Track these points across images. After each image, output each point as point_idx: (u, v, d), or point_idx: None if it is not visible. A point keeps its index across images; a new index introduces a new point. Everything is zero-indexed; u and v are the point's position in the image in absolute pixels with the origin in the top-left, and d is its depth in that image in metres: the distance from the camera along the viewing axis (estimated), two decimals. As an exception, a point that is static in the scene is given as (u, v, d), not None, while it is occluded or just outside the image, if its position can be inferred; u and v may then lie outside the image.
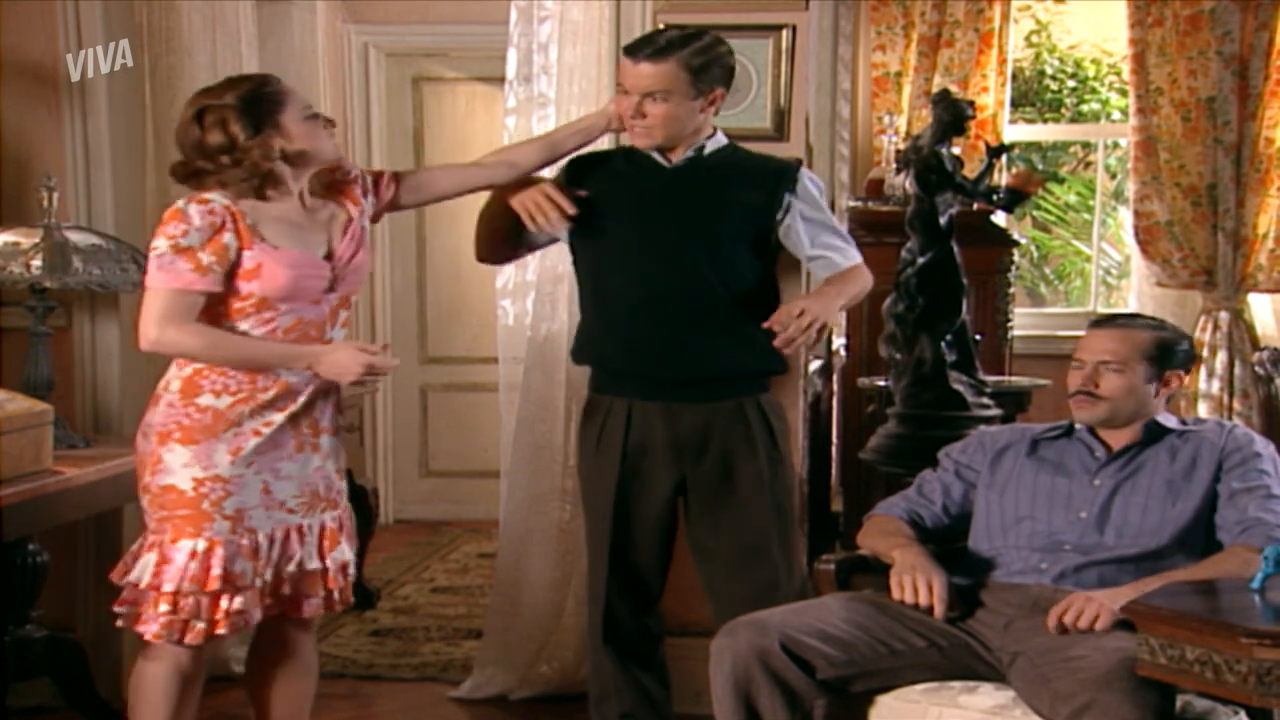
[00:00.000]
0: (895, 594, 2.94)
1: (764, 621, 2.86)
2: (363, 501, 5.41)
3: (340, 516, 3.15)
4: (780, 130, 4.01)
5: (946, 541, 3.20)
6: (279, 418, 2.99)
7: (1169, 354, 3.09)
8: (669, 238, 3.25)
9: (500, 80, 4.37)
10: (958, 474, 3.23)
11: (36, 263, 3.80)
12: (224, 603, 2.95)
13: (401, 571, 5.92)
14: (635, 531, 3.34)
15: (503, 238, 3.43)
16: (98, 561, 4.11)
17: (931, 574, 2.93)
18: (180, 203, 2.93)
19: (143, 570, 2.94)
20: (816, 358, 4.39)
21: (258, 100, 2.95)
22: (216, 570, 2.92)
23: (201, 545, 2.92)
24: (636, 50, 3.24)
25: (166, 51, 4.18)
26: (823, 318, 3.13)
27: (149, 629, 2.94)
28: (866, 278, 3.37)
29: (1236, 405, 5.98)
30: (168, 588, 2.92)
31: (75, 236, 3.90)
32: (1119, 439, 3.09)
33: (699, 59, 3.22)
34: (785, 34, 3.99)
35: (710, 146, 3.32)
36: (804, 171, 3.37)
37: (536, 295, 4.22)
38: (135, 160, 4.25)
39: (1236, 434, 3.05)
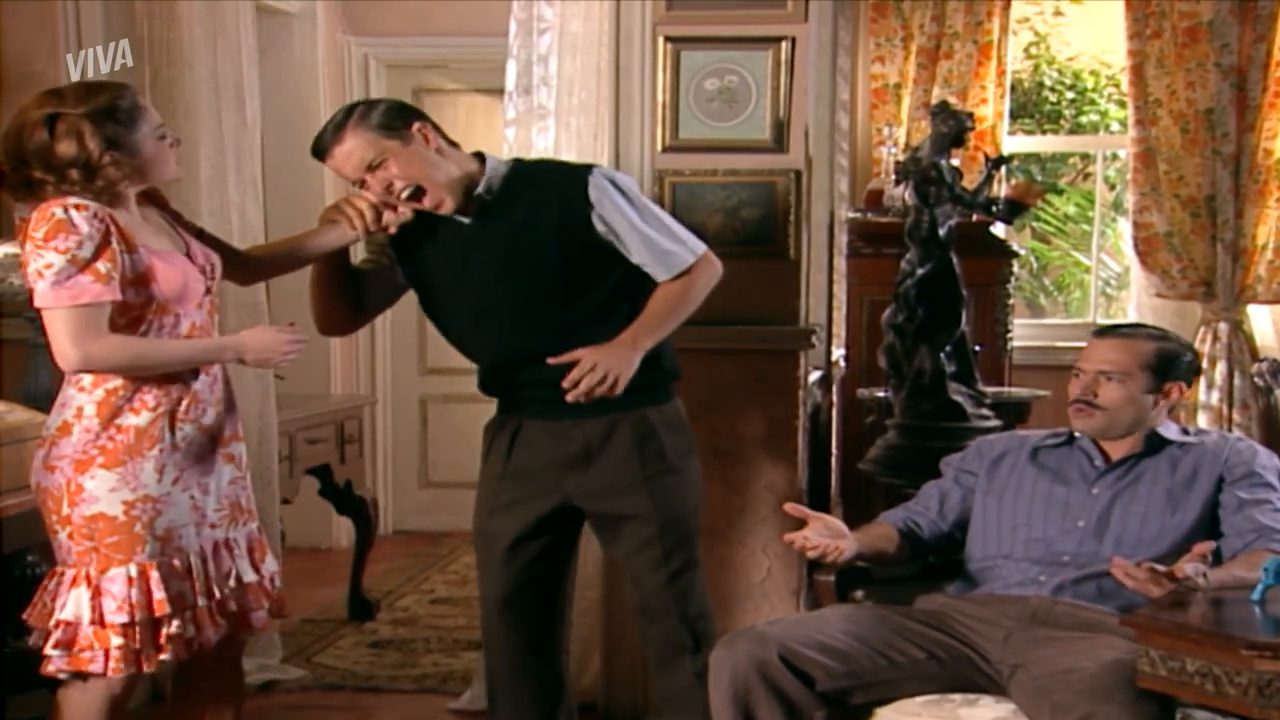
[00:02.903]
0: (811, 556, 3.01)
1: (763, 633, 2.86)
2: (362, 512, 5.42)
3: (258, 526, 3.12)
4: (779, 142, 4.01)
5: (949, 552, 3.20)
6: (191, 429, 2.92)
7: (1171, 365, 3.08)
8: (496, 294, 3.14)
9: (500, 92, 4.38)
10: (956, 480, 3.24)
11: (37, 274, 3.80)
12: (165, 627, 2.88)
13: (401, 582, 5.92)
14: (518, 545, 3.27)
15: (336, 296, 3.24)
16: (97, 573, 4.10)
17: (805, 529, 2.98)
18: (58, 211, 2.75)
19: (77, 607, 2.85)
20: (816, 368, 4.39)
21: (115, 114, 2.83)
22: (159, 595, 2.85)
23: (134, 571, 2.84)
24: (321, 148, 3.08)
25: (167, 64, 4.19)
26: (615, 371, 2.99)
27: (99, 665, 2.85)
28: (696, 283, 3.13)
29: (1236, 416, 5.98)
30: (119, 619, 2.83)
31: (75, 248, 3.90)
32: (1119, 448, 3.09)
33: (371, 116, 3.06)
34: (784, 46, 3.99)
35: (486, 186, 3.12)
36: (595, 175, 3.12)
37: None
38: (135, 172, 4.25)
39: (1239, 446, 3.06)
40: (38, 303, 2.80)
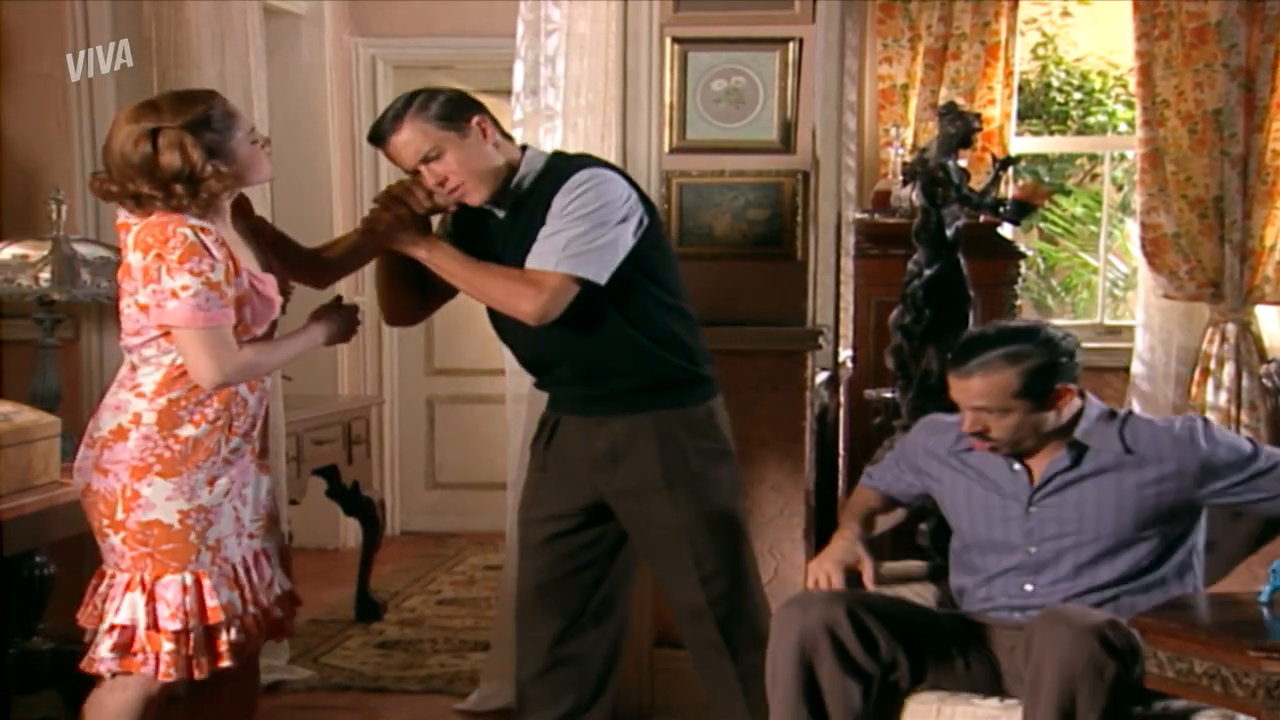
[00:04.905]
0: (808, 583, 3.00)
1: (834, 595, 2.88)
2: (369, 513, 5.42)
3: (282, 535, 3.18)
4: (787, 143, 4.01)
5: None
6: (239, 441, 2.97)
7: (1043, 379, 2.89)
8: None
9: (507, 93, 4.37)
10: (911, 471, 3.18)
11: (45, 275, 3.81)
12: (223, 634, 2.93)
13: (408, 583, 5.92)
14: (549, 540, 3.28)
15: (401, 284, 3.25)
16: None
17: (830, 565, 2.97)
18: (188, 233, 2.80)
19: (132, 611, 2.89)
20: (823, 369, 4.39)
21: (211, 122, 2.87)
22: (213, 602, 2.90)
23: (189, 579, 2.89)
24: (379, 137, 3.08)
25: (175, 64, 4.20)
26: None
27: (150, 668, 2.89)
28: (509, 288, 3.02)
29: (1244, 417, 5.97)
30: (172, 626, 2.88)
31: (83, 249, 3.92)
32: (1041, 463, 2.96)
33: (431, 106, 3.05)
34: (792, 47, 3.99)
35: (518, 181, 3.12)
36: (577, 175, 3.07)
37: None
38: (143, 173, 4.26)
39: (1200, 443, 2.91)
40: (170, 320, 2.82)
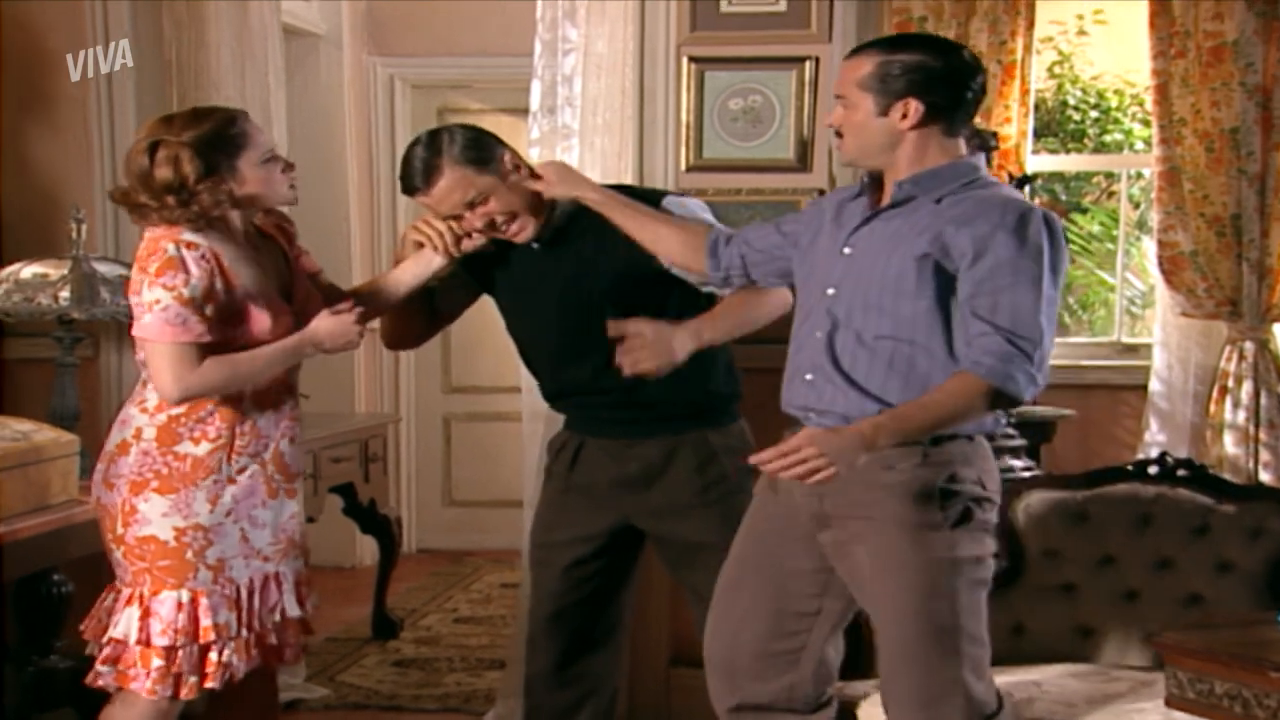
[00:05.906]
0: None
1: (718, 685, 2.86)
2: (386, 531, 5.43)
3: (305, 562, 3.16)
4: (803, 161, 4.03)
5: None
6: (254, 466, 2.97)
7: (898, 78, 2.55)
8: (552, 328, 3.17)
9: (524, 112, 4.39)
10: (778, 227, 2.92)
11: (64, 294, 3.84)
12: (213, 655, 2.93)
13: (424, 601, 5.93)
14: (571, 566, 3.28)
15: (412, 312, 3.26)
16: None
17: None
18: (170, 247, 2.81)
19: (127, 625, 2.90)
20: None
21: (216, 141, 2.87)
22: (206, 622, 2.90)
23: (185, 596, 2.89)
24: (413, 187, 3.06)
25: (195, 86, 4.23)
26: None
27: (140, 685, 2.90)
28: (778, 297, 3.09)
29: (1263, 435, 5.94)
30: (161, 642, 2.88)
31: (103, 268, 3.94)
32: (885, 198, 2.66)
33: (465, 151, 3.03)
34: (808, 66, 4.01)
35: (555, 212, 3.13)
36: (663, 205, 3.11)
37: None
38: (162, 192, 4.28)
39: (1017, 230, 2.51)
40: (142, 334, 2.85)
